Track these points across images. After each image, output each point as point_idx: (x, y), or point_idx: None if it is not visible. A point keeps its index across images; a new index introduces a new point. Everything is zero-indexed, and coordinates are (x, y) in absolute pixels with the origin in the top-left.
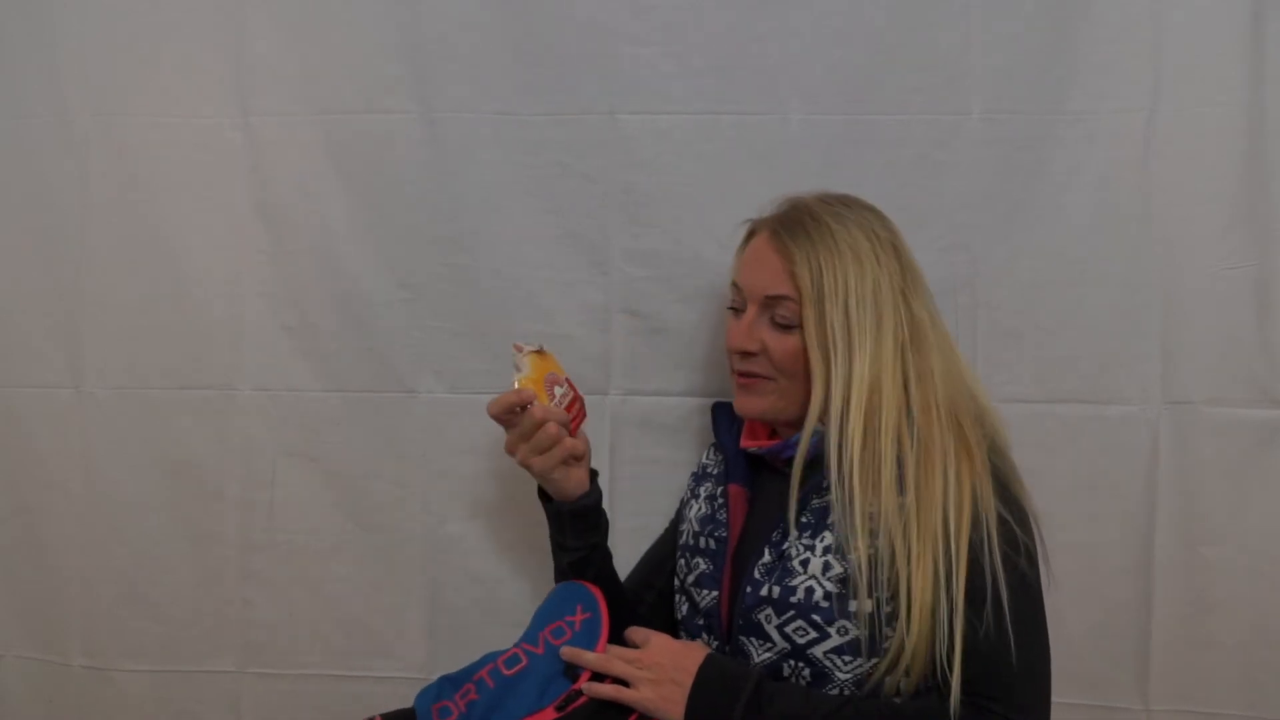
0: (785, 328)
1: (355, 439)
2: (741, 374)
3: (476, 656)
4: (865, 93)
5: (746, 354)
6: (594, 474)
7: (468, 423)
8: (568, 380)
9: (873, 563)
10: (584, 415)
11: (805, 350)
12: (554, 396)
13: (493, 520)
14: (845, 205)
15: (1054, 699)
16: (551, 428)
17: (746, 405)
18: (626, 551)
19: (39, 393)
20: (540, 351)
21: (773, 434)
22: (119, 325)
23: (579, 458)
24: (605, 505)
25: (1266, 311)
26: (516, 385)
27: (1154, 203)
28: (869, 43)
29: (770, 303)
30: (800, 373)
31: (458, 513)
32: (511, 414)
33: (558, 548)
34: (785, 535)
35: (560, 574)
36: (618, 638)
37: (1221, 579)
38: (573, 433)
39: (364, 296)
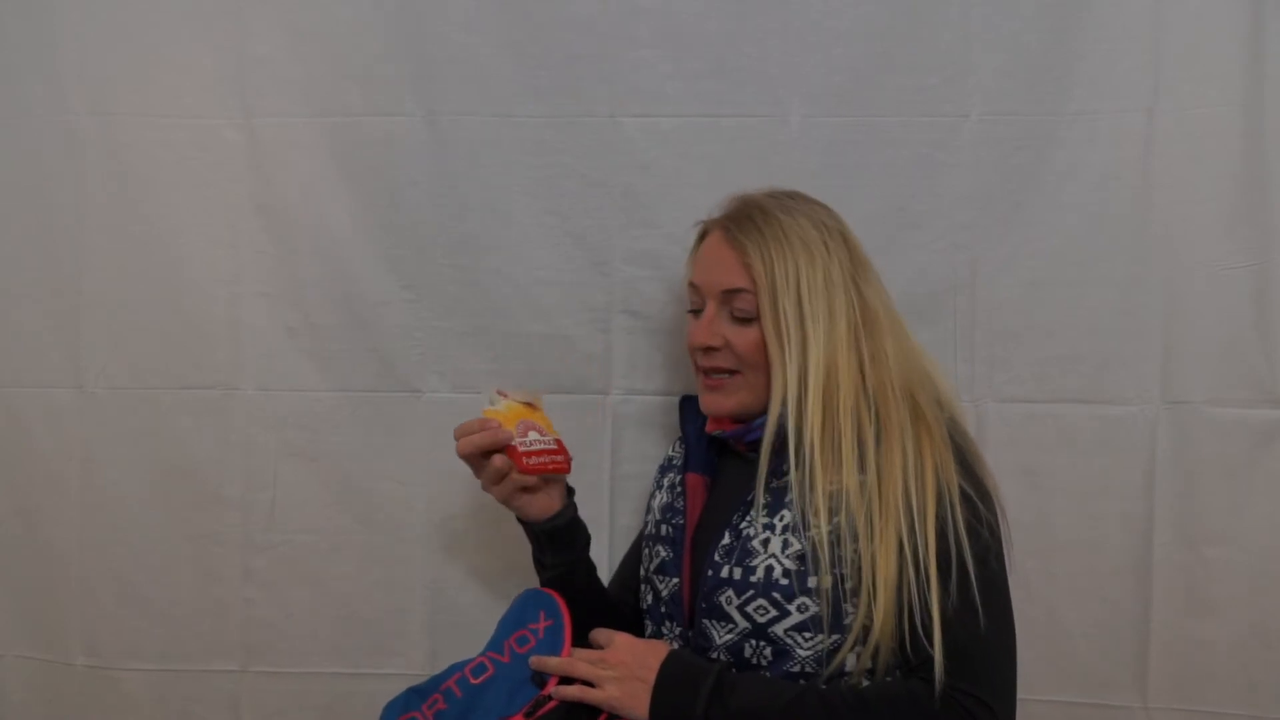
0: (744, 321)
1: (357, 439)
2: (707, 373)
3: None
4: (865, 93)
5: (709, 350)
6: (570, 491)
7: None
8: (558, 440)
9: (833, 539)
10: (556, 468)
11: (764, 341)
12: (524, 437)
13: (494, 520)
14: (792, 199)
15: (1054, 697)
16: (496, 459)
17: (715, 404)
18: (624, 550)
19: (39, 392)
20: (530, 405)
21: (738, 421)
22: (119, 325)
23: (530, 489)
24: (605, 505)
25: (1266, 311)
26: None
27: (1154, 203)
28: (869, 43)
29: (728, 297)
30: (762, 364)
31: (460, 512)
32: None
33: (538, 564)
34: (744, 515)
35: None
36: (584, 642)
37: (1221, 579)
38: (524, 470)
39: (366, 297)
